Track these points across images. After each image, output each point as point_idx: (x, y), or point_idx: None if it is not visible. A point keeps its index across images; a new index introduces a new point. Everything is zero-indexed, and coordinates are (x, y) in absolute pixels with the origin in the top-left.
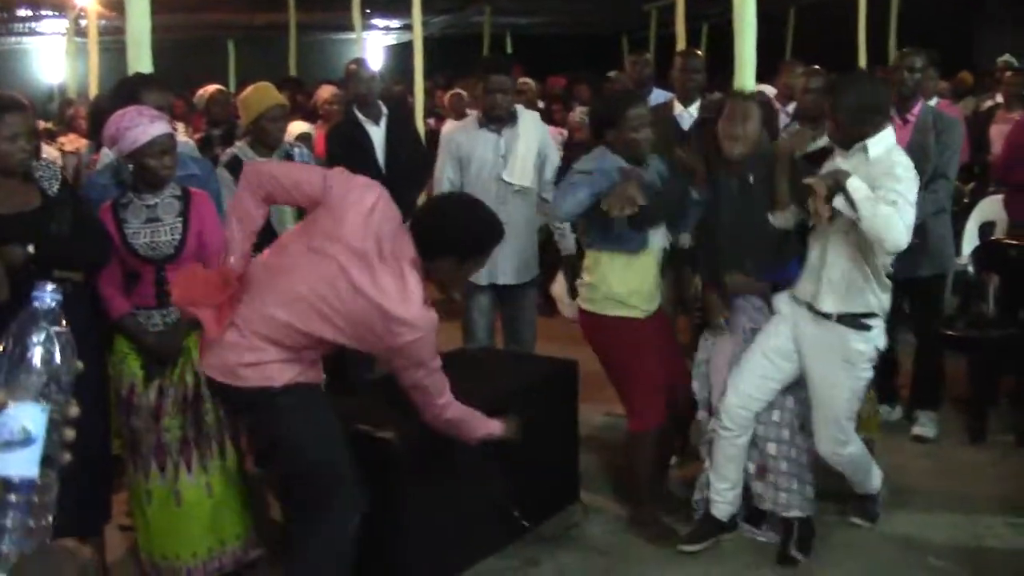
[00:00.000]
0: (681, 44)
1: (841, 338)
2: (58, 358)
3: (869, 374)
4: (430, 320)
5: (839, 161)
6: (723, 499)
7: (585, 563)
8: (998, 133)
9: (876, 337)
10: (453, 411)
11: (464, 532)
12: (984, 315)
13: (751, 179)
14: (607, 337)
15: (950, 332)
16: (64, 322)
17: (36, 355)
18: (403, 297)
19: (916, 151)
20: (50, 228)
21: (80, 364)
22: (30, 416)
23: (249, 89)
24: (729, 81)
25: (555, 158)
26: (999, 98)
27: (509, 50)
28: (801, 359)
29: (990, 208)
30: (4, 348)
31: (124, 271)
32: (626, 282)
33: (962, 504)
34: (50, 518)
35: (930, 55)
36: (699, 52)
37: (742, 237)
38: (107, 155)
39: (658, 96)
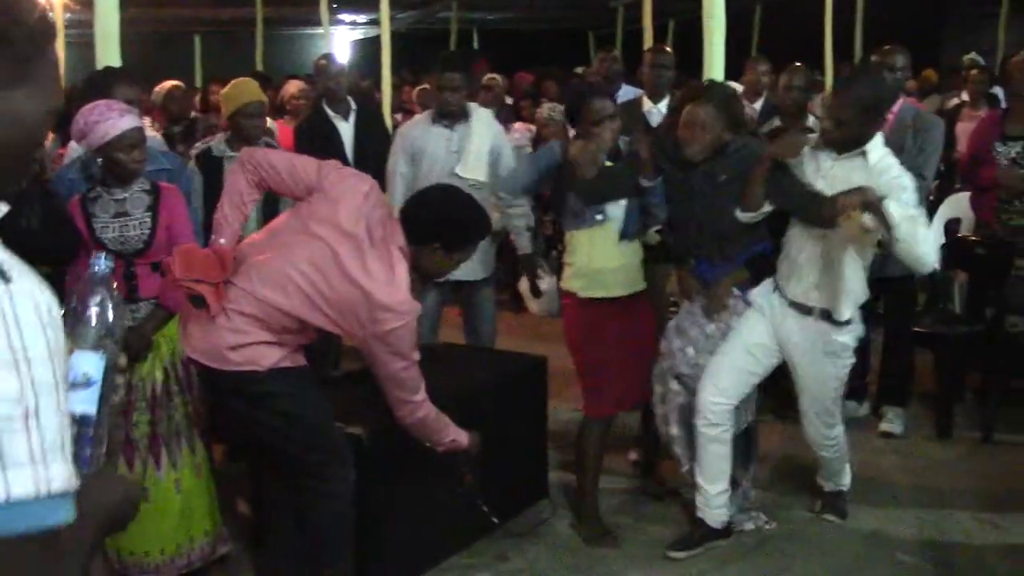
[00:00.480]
0: (649, 41)
1: (825, 333)
2: (111, 315)
3: (851, 360)
4: (414, 308)
5: (830, 165)
6: (714, 505)
7: (554, 559)
8: (964, 131)
9: (856, 328)
10: (425, 411)
11: (433, 528)
12: (951, 312)
13: (719, 177)
14: (568, 315)
15: (917, 328)
16: (115, 285)
17: (93, 313)
18: (390, 283)
19: (894, 148)
20: (19, 222)
21: (129, 322)
22: (91, 363)
23: (229, 85)
24: (698, 78)
25: (509, 154)
26: (965, 96)
27: (476, 46)
28: (785, 352)
29: (956, 205)
30: (67, 307)
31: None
32: (592, 258)
33: (929, 500)
34: (104, 449)
35: (907, 53)
36: (668, 49)
37: (708, 232)
38: (74, 149)
39: (627, 92)
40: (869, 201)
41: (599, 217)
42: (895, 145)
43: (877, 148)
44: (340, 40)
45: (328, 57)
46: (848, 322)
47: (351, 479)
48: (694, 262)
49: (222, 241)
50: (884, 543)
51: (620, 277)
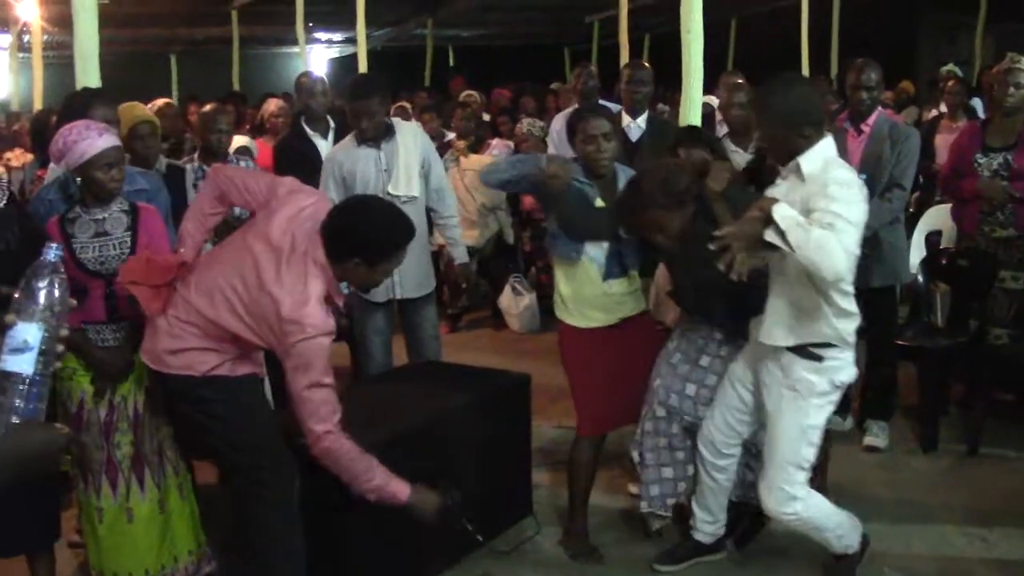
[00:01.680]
0: (625, 55)
1: (787, 365)
2: (56, 295)
3: (821, 413)
4: (322, 324)
5: (779, 182)
6: (706, 531)
7: None
8: (943, 143)
9: (831, 369)
10: (331, 443)
11: (415, 547)
12: (933, 324)
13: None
14: (561, 340)
15: (900, 341)
16: (63, 270)
17: (41, 293)
18: (299, 296)
19: (871, 161)
20: None
21: (74, 301)
22: (31, 333)
23: (120, 107)
24: (674, 92)
25: (440, 167)
26: (943, 107)
27: (452, 63)
28: (759, 395)
29: (937, 218)
30: (20, 287)
31: (72, 287)
32: (569, 288)
33: (916, 514)
34: (42, 405)
35: (880, 67)
36: (646, 64)
37: (701, 286)
38: (55, 170)
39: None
40: (767, 211)
41: (573, 255)
42: (872, 156)
43: (815, 159)
44: (316, 59)
45: (308, 75)
46: (813, 356)
47: (293, 487)
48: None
49: (182, 251)
50: (872, 558)
51: (606, 312)
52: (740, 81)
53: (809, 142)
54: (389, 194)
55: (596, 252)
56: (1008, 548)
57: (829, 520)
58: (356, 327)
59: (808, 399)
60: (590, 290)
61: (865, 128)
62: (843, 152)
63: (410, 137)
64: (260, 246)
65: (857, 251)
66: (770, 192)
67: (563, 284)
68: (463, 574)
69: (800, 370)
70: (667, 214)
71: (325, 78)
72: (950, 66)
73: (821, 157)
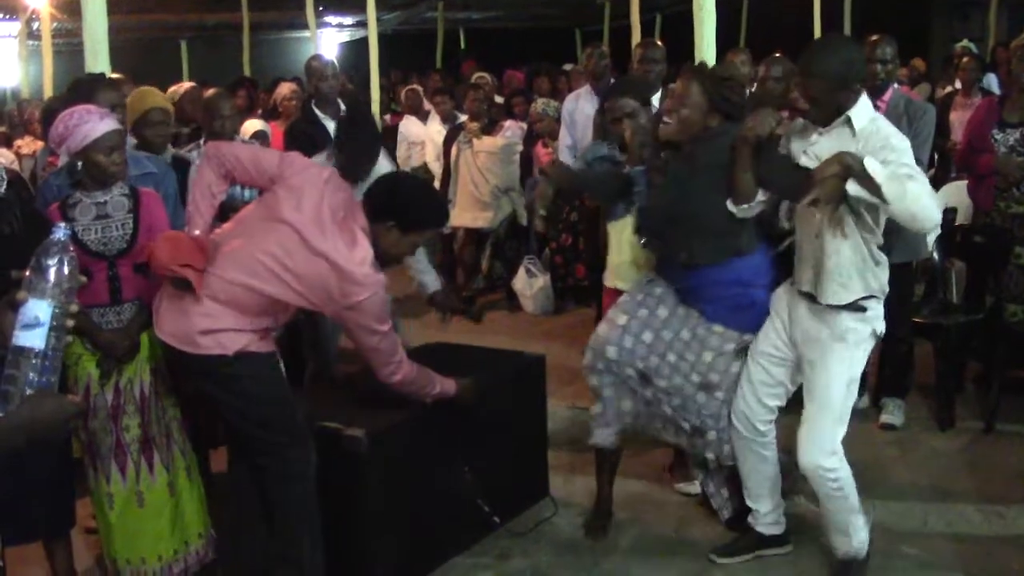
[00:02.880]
0: (636, 36)
1: (834, 317)
2: (65, 272)
3: (862, 361)
4: (379, 280)
5: (815, 139)
6: (766, 521)
7: (557, 558)
8: (958, 119)
9: (873, 319)
10: (405, 371)
11: (433, 529)
12: (949, 302)
13: (699, 161)
14: (604, 308)
15: (916, 319)
16: (71, 248)
17: (51, 270)
18: (353, 257)
19: None
20: (1, 229)
21: (83, 278)
22: (41, 309)
23: (133, 92)
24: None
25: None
26: (958, 84)
27: (463, 45)
28: (798, 350)
29: (952, 194)
30: (31, 264)
31: None
32: (614, 251)
33: (933, 492)
34: (54, 378)
35: (895, 42)
36: (659, 43)
37: (682, 222)
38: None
39: None
40: (846, 164)
41: (620, 211)
42: None
43: (862, 113)
44: (327, 42)
45: (318, 58)
46: (863, 308)
47: (312, 463)
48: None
49: (196, 232)
50: (889, 536)
51: (633, 271)
52: (778, 55)
53: (854, 99)
54: None
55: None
56: None
57: (857, 501)
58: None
59: (857, 348)
60: (622, 250)
61: (881, 104)
62: None
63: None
64: (297, 219)
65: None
66: (811, 149)
67: (613, 252)
68: (480, 555)
69: (847, 320)
70: (702, 93)
71: (336, 61)
72: (965, 42)
73: (867, 112)
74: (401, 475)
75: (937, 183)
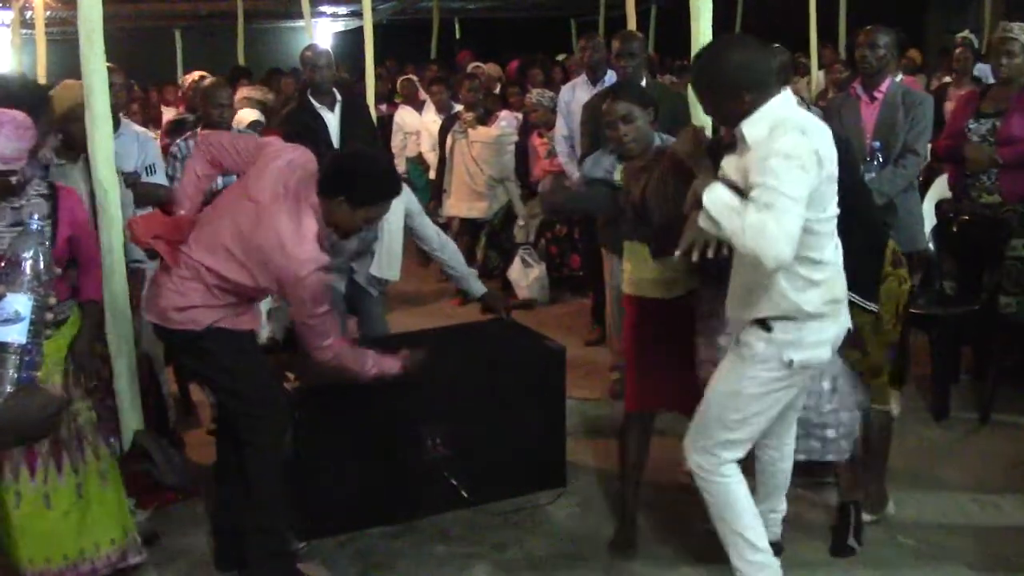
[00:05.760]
0: (632, 25)
1: (739, 328)
2: (41, 264)
3: (756, 385)
4: (319, 259)
5: (728, 155)
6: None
7: (553, 549)
8: (950, 111)
9: (783, 343)
10: (335, 352)
11: (391, 490)
12: (944, 292)
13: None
14: (625, 313)
15: (912, 310)
16: (47, 240)
17: (27, 263)
18: (296, 234)
19: (885, 128)
20: None
21: (58, 269)
22: (20, 303)
23: (59, 86)
24: (682, 62)
25: (422, 216)
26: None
27: (458, 35)
28: None
29: (946, 186)
30: (4, 258)
31: None
32: (631, 265)
33: (929, 482)
34: (36, 373)
35: (893, 32)
36: (638, 33)
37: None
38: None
39: (612, 78)
40: (698, 197)
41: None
42: (886, 123)
43: (760, 123)
44: (322, 32)
45: (312, 48)
46: (765, 326)
47: (283, 437)
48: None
49: (181, 212)
50: (885, 526)
51: (663, 289)
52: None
53: (752, 106)
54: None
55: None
56: (1022, 516)
57: (739, 516)
58: None
59: (747, 365)
60: (645, 268)
61: (878, 95)
62: (856, 119)
63: (396, 216)
64: (255, 195)
65: (797, 231)
66: (724, 164)
67: (627, 261)
68: (477, 545)
69: (749, 334)
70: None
71: (331, 51)
72: (966, 33)
73: (768, 121)
74: (337, 431)
75: (932, 174)
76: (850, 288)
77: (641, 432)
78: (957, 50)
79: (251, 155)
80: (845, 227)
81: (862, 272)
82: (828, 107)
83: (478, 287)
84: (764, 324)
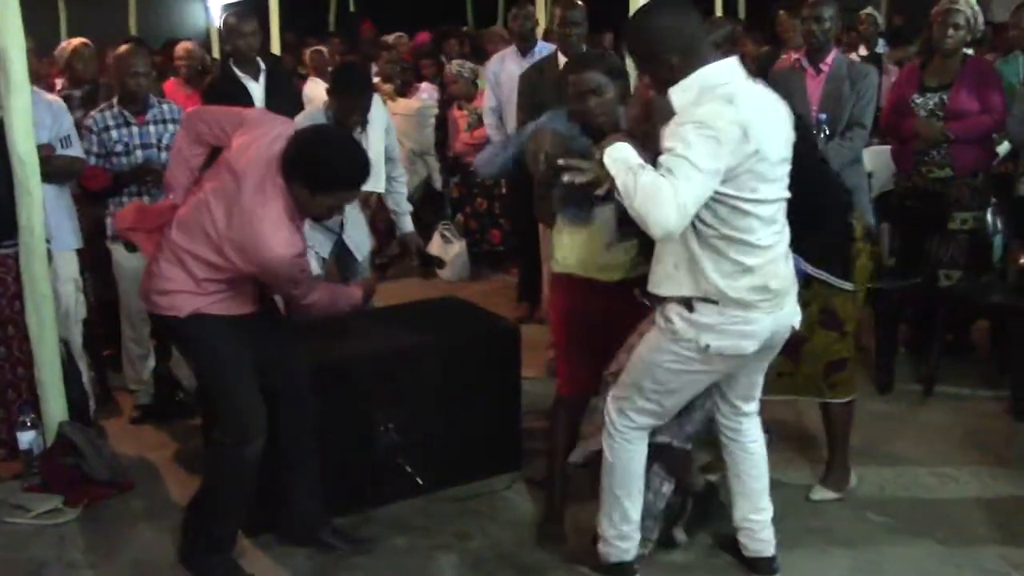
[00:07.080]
0: None
1: (663, 307)
2: None
3: (670, 359)
4: (293, 246)
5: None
6: None
7: (518, 536)
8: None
9: (702, 327)
10: (317, 297)
11: (344, 480)
12: (885, 266)
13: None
14: (551, 291)
15: None
16: None
17: None
18: (270, 221)
19: (831, 100)
20: None
21: None
22: None
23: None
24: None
25: (394, 139)
26: (862, 50)
27: (352, 7)
28: None
29: (871, 159)
30: None
31: None
32: (572, 247)
33: (884, 457)
34: None
35: (835, 4)
36: (579, 2)
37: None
38: None
39: (543, 49)
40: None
41: (583, 220)
42: (832, 96)
43: (689, 89)
44: (215, 2)
45: (235, 13)
46: (688, 306)
47: (250, 446)
48: None
49: (171, 197)
50: (853, 503)
51: (607, 272)
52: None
53: (680, 72)
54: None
55: (607, 215)
56: (980, 487)
57: (627, 482)
58: None
59: (666, 339)
60: (593, 253)
61: (824, 68)
62: (802, 92)
63: (377, 128)
64: (226, 175)
65: (694, 204)
66: (662, 131)
67: (566, 241)
68: (440, 535)
69: (671, 311)
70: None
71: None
72: (869, 9)
73: (696, 86)
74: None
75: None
76: (821, 267)
77: (572, 416)
78: (863, 27)
79: (233, 126)
80: (810, 207)
81: (832, 251)
82: (773, 79)
83: (407, 224)
84: (687, 303)
